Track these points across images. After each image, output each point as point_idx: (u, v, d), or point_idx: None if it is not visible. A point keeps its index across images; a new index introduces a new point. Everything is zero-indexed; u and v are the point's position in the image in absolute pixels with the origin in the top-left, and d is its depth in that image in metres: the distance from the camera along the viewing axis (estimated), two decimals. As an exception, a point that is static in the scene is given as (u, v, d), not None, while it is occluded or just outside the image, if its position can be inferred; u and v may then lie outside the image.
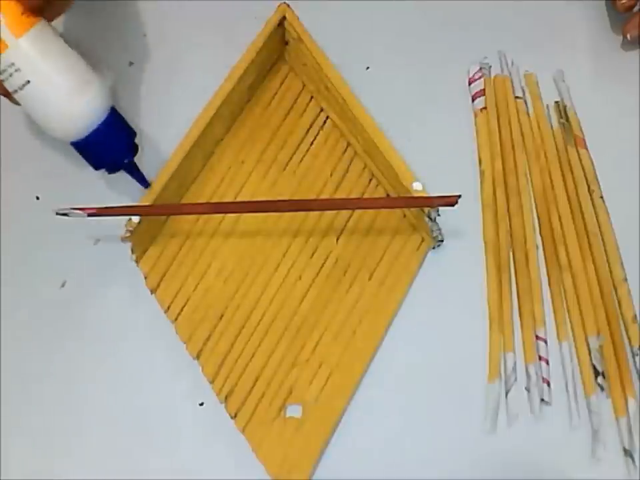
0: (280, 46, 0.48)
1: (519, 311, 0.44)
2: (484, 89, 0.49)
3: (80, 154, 0.41)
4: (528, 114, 0.49)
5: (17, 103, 0.40)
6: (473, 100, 0.49)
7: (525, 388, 0.42)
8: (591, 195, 0.46)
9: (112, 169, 0.42)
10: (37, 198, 0.48)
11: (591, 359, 0.42)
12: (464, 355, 0.43)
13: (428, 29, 0.51)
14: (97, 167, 0.41)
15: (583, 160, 0.47)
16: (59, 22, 0.41)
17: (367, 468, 0.41)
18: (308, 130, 0.48)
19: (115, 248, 0.44)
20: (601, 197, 0.46)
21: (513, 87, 0.49)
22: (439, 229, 0.43)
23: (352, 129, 0.46)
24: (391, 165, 0.43)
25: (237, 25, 0.50)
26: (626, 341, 0.43)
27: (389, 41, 0.51)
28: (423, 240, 0.45)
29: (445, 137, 0.48)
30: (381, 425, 0.42)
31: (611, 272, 0.44)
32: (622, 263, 0.44)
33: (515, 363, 0.43)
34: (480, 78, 0.49)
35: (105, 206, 0.41)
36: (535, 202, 0.47)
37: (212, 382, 0.42)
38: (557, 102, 0.49)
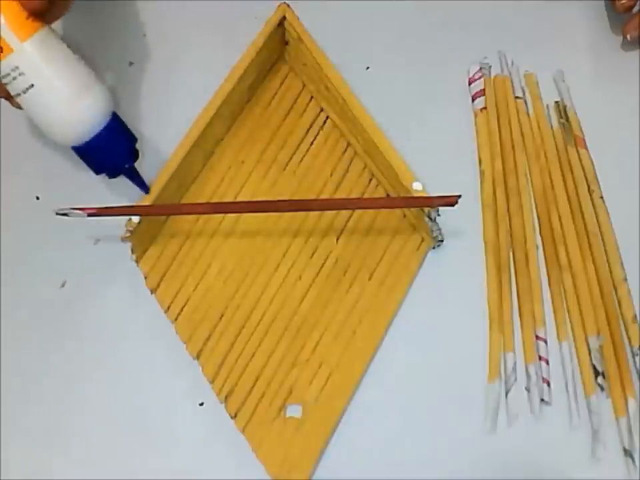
0: (280, 46, 0.48)
1: (519, 311, 0.44)
2: (484, 89, 0.49)
3: (81, 158, 0.41)
4: (528, 114, 0.49)
5: (18, 107, 0.40)
6: (473, 100, 0.49)
7: (525, 388, 0.42)
8: (590, 195, 0.46)
9: (112, 174, 0.42)
10: (37, 198, 0.48)
11: (591, 359, 0.42)
12: (464, 355, 0.43)
13: (428, 29, 0.51)
14: (97, 172, 0.42)
15: (582, 160, 0.47)
16: (58, 22, 0.41)
17: (367, 468, 0.41)
18: (308, 130, 0.48)
19: (115, 248, 0.44)
20: (601, 197, 0.46)
21: (513, 86, 0.49)
22: (439, 229, 0.43)
23: (352, 128, 0.46)
24: (391, 165, 0.43)
25: (236, 25, 0.50)
26: (626, 341, 0.43)
27: (389, 41, 0.51)
28: (422, 240, 0.45)
29: (445, 136, 0.48)
30: (380, 425, 0.42)
31: (611, 272, 0.44)
32: (622, 263, 0.44)
33: (514, 363, 0.43)
34: (480, 78, 0.49)
35: (104, 206, 0.41)
36: (535, 202, 0.47)
37: (212, 382, 0.42)
38: (557, 102, 0.49)
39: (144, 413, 0.42)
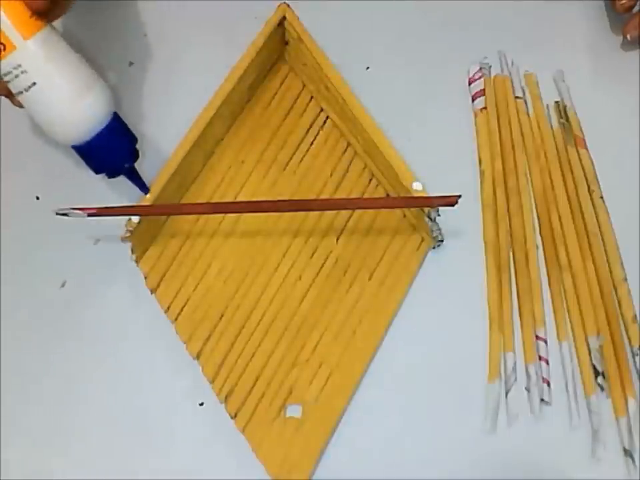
0: (280, 46, 0.48)
1: (519, 311, 0.44)
2: (484, 89, 0.49)
3: (81, 158, 0.41)
4: (528, 114, 0.49)
5: (19, 105, 0.40)
6: (473, 100, 0.49)
7: (525, 388, 0.42)
8: (590, 195, 0.46)
9: (112, 174, 0.42)
10: (37, 198, 0.48)
11: (591, 359, 0.42)
12: (464, 354, 0.43)
13: (428, 29, 0.51)
14: (97, 171, 0.42)
15: (582, 160, 0.47)
16: (58, 22, 0.41)
17: (367, 468, 0.41)
18: (308, 130, 0.48)
19: (115, 248, 0.44)
20: (601, 197, 0.46)
21: (513, 86, 0.49)
22: (439, 229, 0.43)
23: (352, 128, 0.46)
24: (391, 164, 0.43)
25: (237, 25, 0.50)
26: (626, 341, 0.43)
27: (389, 41, 0.51)
28: (422, 240, 0.45)
29: (445, 136, 0.48)
30: (380, 425, 0.42)
31: (611, 272, 0.44)
32: (622, 263, 0.44)
33: (514, 363, 0.43)
34: (480, 78, 0.49)
35: (105, 206, 0.41)
36: (535, 202, 0.47)
37: (212, 382, 0.42)
38: (557, 102, 0.49)
39: (144, 413, 0.42)
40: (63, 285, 0.45)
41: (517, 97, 0.49)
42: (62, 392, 0.43)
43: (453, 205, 0.39)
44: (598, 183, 0.47)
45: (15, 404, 0.43)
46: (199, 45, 0.51)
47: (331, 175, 0.47)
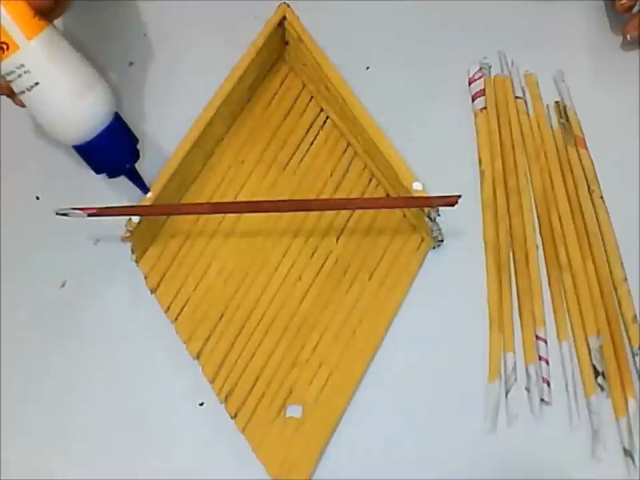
0: (280, 46, 0.48)
1: (519, 311, 0.44)
2: (484, 89, 0.49)
3: (82, 157, 0.41)
4: (528, 114, 0.49)
5: (20, 105, 0.40)
6: (473, 100, 0.49)
7: (525, 388, 0.42)
8: (590, 195, 0.46)
9: (113, 174, 0.42)
10: (37, 198, 0.48)
11: (591, 359, 0.42)
12: (464, 354, 0.43)
13: (428, 29, 0.51)
14: (98, 172, 0.42)
15: (582, 160, 0.47)
16: (58, 22, 0.41)
17: (367, 468, 0.41)
18: (308, 130, 0.48)
19: (115, 248, 0.44)
20: (601, 197, 0.46)
21: (513, 87, 0.49)
22: (439, 229, 0.43)
23: (352, 128, 0.46)
24: (391, 164, 0.43)
25: (237, 25, 0.50)
26: (626, 341, 0.43)
27: (389, 41, 0.51)
28: (422, 240, 0.45)
29: (445, 136, 0.48)
30: (381, 425, 0.42)
31: (611, 272, 0.44)
32: (622, 263, 0.44)
33: (514, 363, 0.43)
34: (480, 78, 0.49)
35: (105, 206, 0.41)
36: (535, 202, 0.47)
37: (212, 382, 0.42)
38: (557, 102, 0.49)
39: (144, 413, 0.42)
40: (63, 285, 0.45)
41: (516, 97, 0.49)
42: (62, 392, 0.43)
43: (453, 205, 0.39)
44: (598, 182, 0.47)
45: (15, 404, 0.43)
46: (199, 45, 0.51)
47: (331, 175, 0.47)
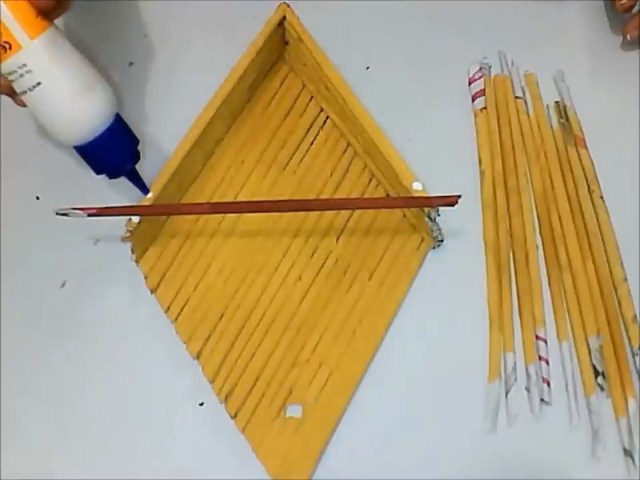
0: (280, 46, 0.48)
1: (519, 311, 0.44)
2: (484, 89, 0.49)
3: (82, 158, 0.41)
4: (528, 114, 0.49)
5: (21, 104, 0.40)
6: (473, 100, 0.49)
7: (525, 388, 0.42)
8: (590, 195, 0.46)
9: (113, 175, 0.42)
10: (37, 198, 0.48)
11: (591, 359, 0.42)
12: (464, 355, 0.43)
13: (428, 29, 0.51)
14: (98, 172, 0.42)
15: (582, 160, 0.47)
16: (58, 22, 0.41)
17: (367, 468, 0.41)
18: (308, 130, 0.48)
19: (115, 248, 0.44)
20: (601, 197, 0.46)
21: (513, 86, 0.49)
22: (439, 229, 0.43)
23: (352, 128, 0.46)
24: (391, 164, 0.43)
25: (237, 25, 0.50)
26: (626, 340, 0.43)
27: (389, 41, 0.51)
28: (422, 240, 0.45)
29: (445, 137, 0.48)
30: (380, 425, 0.42)
31: (611, 272, 0.44)
32: (622, 263, 0.44)
33: (514, 363, 0.43)
34: (480, 78, 0.49)
35: (105, 206, 0.41)
36: (535, 202, 0.47)
37: (212, 382, 0.42)
38: (557, 102, 0.49)
39: (144, 412, 0.42)
40: (63, 285, 0.45)
41: (516, 97, 0.49)
42: (62, 392, 0.43)
43: (453, 205, 0.39)
44: (598, 182, 0.47)
45: (15, 404, 0.43)
46: (199, 45, 0.51)
47: (331, 175, 0.47)
